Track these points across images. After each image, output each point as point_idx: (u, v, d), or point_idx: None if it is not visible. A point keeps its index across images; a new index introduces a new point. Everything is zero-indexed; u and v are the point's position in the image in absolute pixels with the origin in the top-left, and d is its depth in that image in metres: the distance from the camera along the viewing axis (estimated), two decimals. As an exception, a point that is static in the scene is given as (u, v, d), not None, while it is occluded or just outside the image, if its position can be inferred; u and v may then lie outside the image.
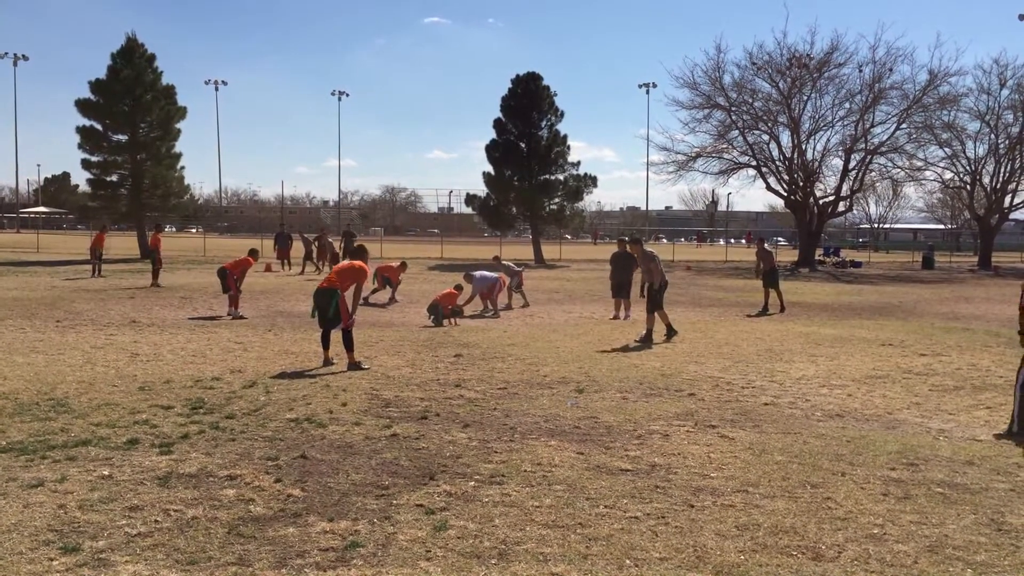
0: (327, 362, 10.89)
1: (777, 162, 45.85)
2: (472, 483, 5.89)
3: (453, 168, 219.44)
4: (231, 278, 16.77)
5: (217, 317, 16.45)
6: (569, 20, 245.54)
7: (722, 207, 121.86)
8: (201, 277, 27.35)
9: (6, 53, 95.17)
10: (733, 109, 44.86)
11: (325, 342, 11.07)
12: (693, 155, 46.17)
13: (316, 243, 32.00)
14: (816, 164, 45.79)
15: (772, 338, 14.41)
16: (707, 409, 8.58)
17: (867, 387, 10.02)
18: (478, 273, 18.88)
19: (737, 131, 45.43)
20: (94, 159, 40.29)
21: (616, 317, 17.56)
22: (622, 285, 17.80)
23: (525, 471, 6.21)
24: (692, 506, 5.48)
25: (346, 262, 11.52)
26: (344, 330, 10.77)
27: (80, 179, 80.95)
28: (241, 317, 16.34)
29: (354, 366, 10.63)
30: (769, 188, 46.39)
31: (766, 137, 45.80)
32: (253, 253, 17.75)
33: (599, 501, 5.53)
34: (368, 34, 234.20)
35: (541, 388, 9.58)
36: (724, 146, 46.33)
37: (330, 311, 10.80)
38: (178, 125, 41.17)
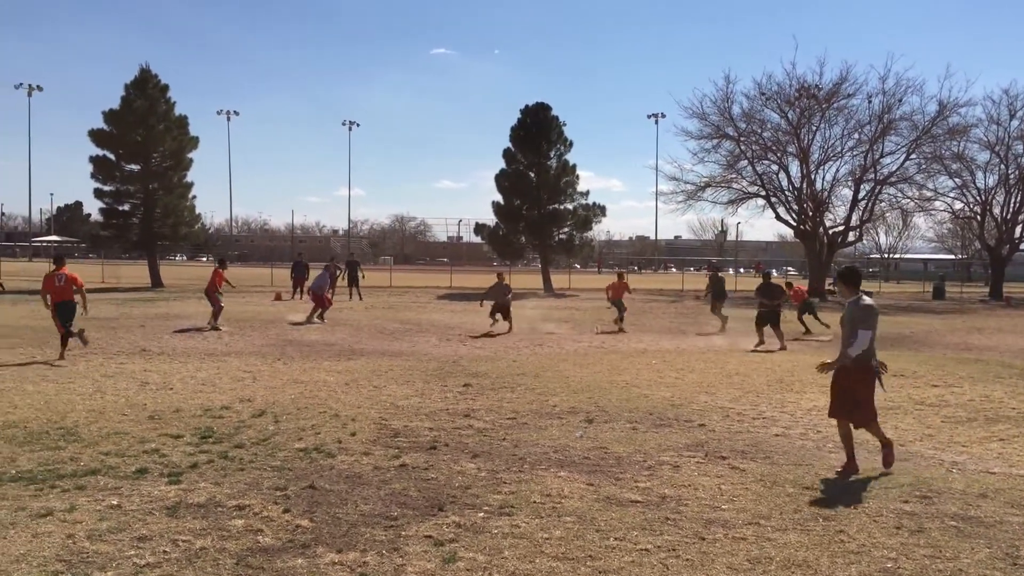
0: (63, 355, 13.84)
1: (786, 192, 45.96)
2: (481, 514, 5.85)
3: (462, 197, 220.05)
4: (211, 295, 19.86)
5: (200, 329, 18.84)
6: (576, 51, 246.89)
7: (731, 237, 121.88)
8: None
9: (21, 83, 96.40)
10: (742, 139, 45.02)
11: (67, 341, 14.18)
12: (702, 185, 46.33)
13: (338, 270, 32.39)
14: (825, 194, 45.87)
15: (783, 369, 14.34)
16: (718, 440, 8.53)
17: (879, 418, 9.93)
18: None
19: (746, 161, 45.59)
20: (107, 188, 40.58)
21: (761, 343, 18.22)
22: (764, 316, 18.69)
23: (534, 502, 6.17)
24: (703, 539, 5.43)
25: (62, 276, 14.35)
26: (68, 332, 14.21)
27: (93, 208, 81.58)
28: (217, 328, 18.96)
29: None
30: (779, 218, 46.49)
31: (775, 167, 45.97)
32: (221, 264, 20.59)
33: (609, 533, 5.49)
34: (376, 65, 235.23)
35: (550, 418, 9.55)
36: (733, 176, 46.47)
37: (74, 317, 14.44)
38: (190, 155, 41.47)
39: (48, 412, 9.24)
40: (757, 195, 46.35)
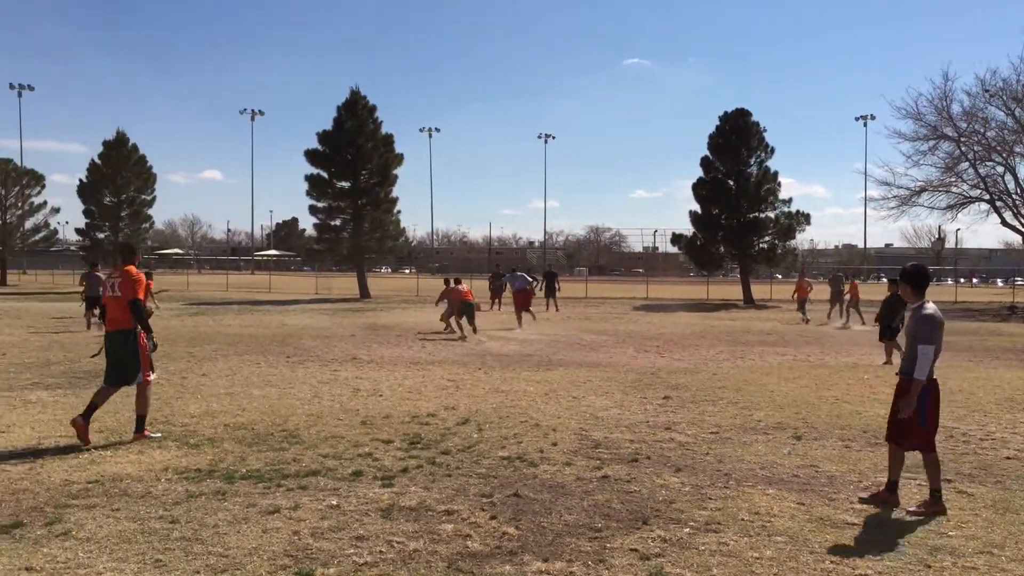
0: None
1: (1014, 195, 42.35)
2: (687, 530, 5.74)
3: (656, 207, 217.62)
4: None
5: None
6: (774, 55, 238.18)
7: (950, 244, 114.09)
8: (415, 316, 28.54)
9: (245, 109, 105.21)
10: (962, 140, 41.97)
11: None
12: (917, 189, 43.50)
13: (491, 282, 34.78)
14: (1060, 197, 41.99)
15: (1012, 386, 13.23)
16: (942, 462, 7.94)
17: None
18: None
19: (967, 163, 42.43)
20: (320, 205, 43.17)
21: (888, 363, 16.30)
22: (885, 329, 16.83)
23: (742, 520, 5.98)
24: (929, 566, 5.08)
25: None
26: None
27: (307, 223, 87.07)
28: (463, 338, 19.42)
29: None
30: (1005, 223, 42.93)
31: (1001, 169, 42.46)
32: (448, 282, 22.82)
33: (824, 556, 5.24)
34: (571, 78, 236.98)
35: (755, 433, 9.25)
36: (952, 179, 43.32)
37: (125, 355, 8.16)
38: (395, 171, 43.41)
39: (272, 415, 9.89)
40: (980, 199, 43.05)
